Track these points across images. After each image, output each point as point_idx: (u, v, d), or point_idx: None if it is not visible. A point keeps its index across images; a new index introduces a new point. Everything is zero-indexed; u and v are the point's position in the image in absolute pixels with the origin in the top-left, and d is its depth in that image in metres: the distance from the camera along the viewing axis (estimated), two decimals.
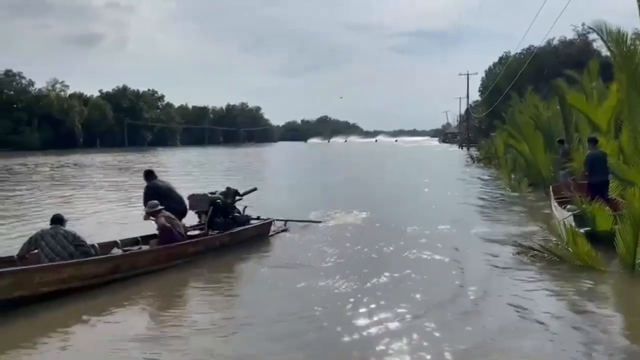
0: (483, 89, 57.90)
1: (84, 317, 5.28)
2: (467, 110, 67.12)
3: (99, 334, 4.95)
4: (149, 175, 8.34)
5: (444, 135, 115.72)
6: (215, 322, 5.17)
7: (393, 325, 4.90)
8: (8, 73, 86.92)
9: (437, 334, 4.65)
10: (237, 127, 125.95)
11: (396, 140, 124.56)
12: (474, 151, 44.13)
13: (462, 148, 62.31)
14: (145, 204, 7.66)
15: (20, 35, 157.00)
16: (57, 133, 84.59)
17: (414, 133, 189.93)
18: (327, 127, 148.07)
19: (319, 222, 10.51)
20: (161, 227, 7.34)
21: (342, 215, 11.33)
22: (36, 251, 6.25)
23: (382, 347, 4.41)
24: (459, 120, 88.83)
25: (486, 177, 22.11)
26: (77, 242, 6.35)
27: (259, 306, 5.70)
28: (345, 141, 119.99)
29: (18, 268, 5.75)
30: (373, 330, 4.79)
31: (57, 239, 6.26)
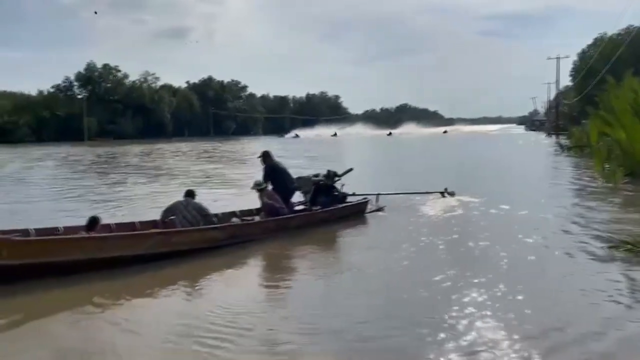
0: (575, 74, 54.77)
1: (208, 273, 6.47)
2: (556, 96, 63.69)
3: (217, 287, 6.07)
4: (267, 157, 9.29)
5: (531, 122, 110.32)
6: (311, 291, 5.74)
7: (485, 318, 4.62)
8: (106, 66, 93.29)
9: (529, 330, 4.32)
10: (317, 116, 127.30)
11: (445, 132, 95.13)
12: (563, 139, 41.78)
13: (550, 136, 59.09)
14: (265, 181, 8.90)
15: (117, 30, 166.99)
16: (149, 122, 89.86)
17: (498, 120, 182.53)
18: (406, 115, 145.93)
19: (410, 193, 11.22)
20: (264, 203, 8.52)
21: (435, 198, 11.41)
22: (173, 217, 7.62)
23: (473, 341, 4.17)
24: (547, 106, 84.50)
25: (577, 167, 20.95)
26: (203, 212, 7.67)
27: (351, 282, 6.03)
28: (335, 134, 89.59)
29: (161, 230, 7.30)
30: (463, 322, 4.51)
31: (188, 209, 7.61)
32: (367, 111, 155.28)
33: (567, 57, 61.43)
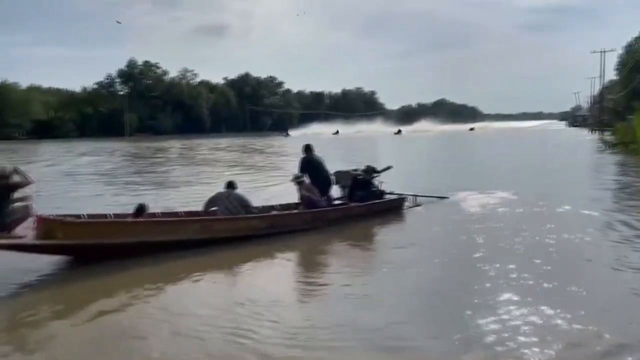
0: (620, 67, 52.89)
1: (247, 261, 6.68)
2: (601, 91, 61.73)
3: (255, 276, 6.23)
4: (307, 150, 9.42)
5: (573, 118, 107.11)
6: (345, 286, 5.67)
7: (526, 321, 4.34)
8: (146, 63, 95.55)
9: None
10: (352, 111, 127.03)
11: (472, 129, 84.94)
12: (607, 136, 40.40)
13: (593, 132, 57.19)
14: (302, 173, 9.03)
15: (157, 27, 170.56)
16: (187, 118, 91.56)
17: (539, 116, 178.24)
18: (443, 110, 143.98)
19: (446, 197, 10.81)
20: (302, 196, 8.70)
21: (473, 195, 11.15)
22: (215, 208, 7.82)
23: (513, 348, 3.92)
24: (590, 102, 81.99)
25: (622, 164, 20.22)
26: (244, 203, 7.91)
27: (387, 279, 5.99)
28: (337, 132, 77.25)
29: (204, 218, 7.57)
30: (501, 327, 4.27)
31: (230, 200, 7.84)
32: (403, 106, 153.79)
33: (612, 50, 59.11)
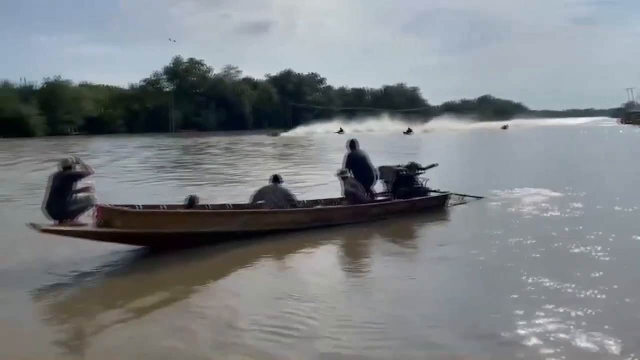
0: None
1: (292, 253, 7.01)
2: None
3: (299, 268, 6.49)
4: (352, 145, 9.55)
5: (627, 115, 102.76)
6: (386, 282, 5.79)
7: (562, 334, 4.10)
8: (192, 61, 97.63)
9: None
10: (394, 108, 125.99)
11: (505, 127, 72.56)
12: None
13: None
14: (347, 168, 9.20)
15: (203, 25, 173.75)
16: (230, 115, 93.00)
17: (588, 113, 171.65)
18: (488, 107, 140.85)
19: (481, 197, 10.57)
20: (346, 191, 8.84)
21: (521, 195, 10.84)
22: (262, 202, 8.17)
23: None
24: None
25: None
26: (289, 197, 8.19)
27: (428, 277, 6.02)
28: (341, 131, 66.98)
29: (251, 211, 7.98)
30: (545, 334, 4.08)
31: (276, 194, 8.10)
32: (447, 103, 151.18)
33: None
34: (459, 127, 76.54)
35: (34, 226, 6.33)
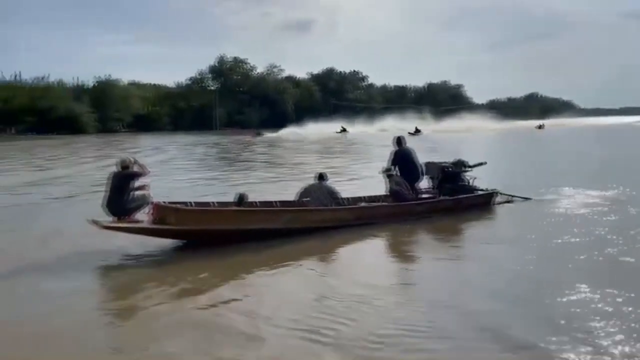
0: None
1: (336, 250, 7.17)
2: None
3: (343, 266, 6.74)
4: (399, 142, 9.68)
5: None
6: (430, 281, 5.81)
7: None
8: (236, 59, 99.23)
9: None
10: (437, 105, 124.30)
11: (540, 127, 64.04)
12: None
13: None
14: (393, 165, 9.30)
15: (246, 24, 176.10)
16: (273, 113, 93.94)
17: None
18: (535, 105, 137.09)
19: (529, 198, 10.34)
20: (391, 189, 8.94)
21: (570, 195, 10.55)
22: (307, 199, 8.36)
23: None
24: None
25: None
26: (333, 195, 8.35)
27: (473, 277, 5.91)
28: (344, 130, 59.89)
29: (296, 208, 8.18)
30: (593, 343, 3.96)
31: (321, 191, 8.28)
32: (492, 100, 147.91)
33: None
34: (483, 126, 66.07)
35: (94, 222, 6.79)
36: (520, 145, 35.07)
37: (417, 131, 51.62)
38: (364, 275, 6.03)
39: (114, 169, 7.50)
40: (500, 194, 10.15)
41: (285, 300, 5.23)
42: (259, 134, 56.21)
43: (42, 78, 76.47)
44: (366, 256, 7.02)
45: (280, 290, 5.58)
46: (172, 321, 4.70)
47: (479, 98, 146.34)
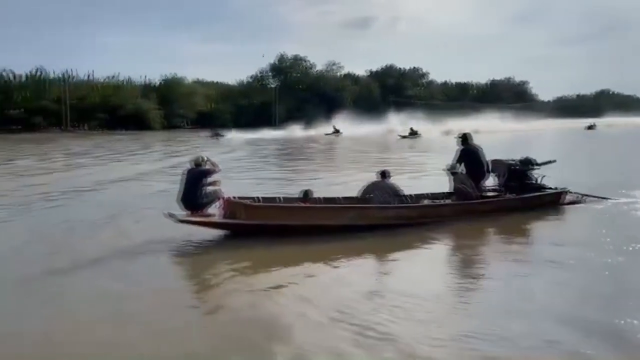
0: None
1: (398, 248, 7.24)
2: None
3: (404, 264, 6.70)
4: (464, 140, 9.57)
5: None
6: (494, 283, 5.74)
7: None
8: (296, 57, 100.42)
9: None
10: (501, 103, 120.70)
11: (590, 127, 57.16)
12: None
13: None
14: (458, 163, 9.25)
15: (307, 22, 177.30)
16: (331, 110, 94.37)
17: None
18: (606, 103, 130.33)
19: (605, 197, 9.99)
20: (455, 187, 8.92)
21: None
22: (370, 196, 8.42)
23: None
24: None
25: None
26: (396, 192, 8.38)
27: (541, 281, 5.70)
28: (337, 132, 52.38)
29: (359, 205, 8.35)
30: None
31: (384, 189, 8.40)
32: (559, 98, 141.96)
33: None
34: (507, 128, 54.57)
35: (170, 216, 7.24)
36: (589, 145, 33.68)
37: (414, 133, 43.51)
38: (420, 275, 6.03)
39: (188, 166, 7.94)
40: (571, 193, 9.82)
41: (342, 293, 5.34)
42: (217, 135, 47.77)
43: (113, 77, 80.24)
44: (425, 255, 7.02)
45: (340, 284, 5.71)
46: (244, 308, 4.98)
47: (545, 95, 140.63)
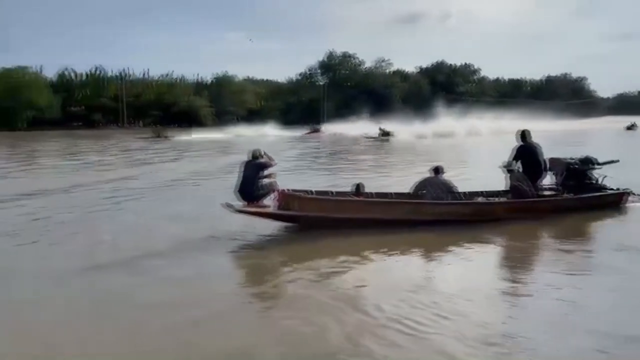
0: None
1: (450, 245, 7.07)
2: None
3: (453, 261, 6.59)
4: (523, 137, 9.35)
5: None
6: (547, 289, 5.41)
7: None
8: (345, 54, 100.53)
9: None
10: (557, 99, 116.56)
11: (631, 127, 51.81)
12: None
13: None
14: (515, 160, 9.03)
15: (356, 18, 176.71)
16: (380, 107, 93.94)
17: None
18: None
19: None
20: (511, 185, 8.71)
21: None
22: (424, 192, 8.41)
23: None
24: None
25: None
26: (449, 189, 8.32)
27: (601, 287, 5.45)
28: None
29: (412, 201, 8.34)
30: None
31: (437, 185, 8.36)
32: (620, 94, 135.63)
33: None
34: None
35: (229, 206, 7.56)
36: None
37: (386, 134, 39.67)
38: (467, 275, 5.89)
39: (245, 158, 8.23)
40: (634, 194, 9.47)
41: (376, 289, 5.37)
42: (159, 136, 43.53)
43: (167, 75, 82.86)
44: (475, 255, 6.79)
45: (389, 277, 5.81)
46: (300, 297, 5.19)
47: (604, 92, 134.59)
